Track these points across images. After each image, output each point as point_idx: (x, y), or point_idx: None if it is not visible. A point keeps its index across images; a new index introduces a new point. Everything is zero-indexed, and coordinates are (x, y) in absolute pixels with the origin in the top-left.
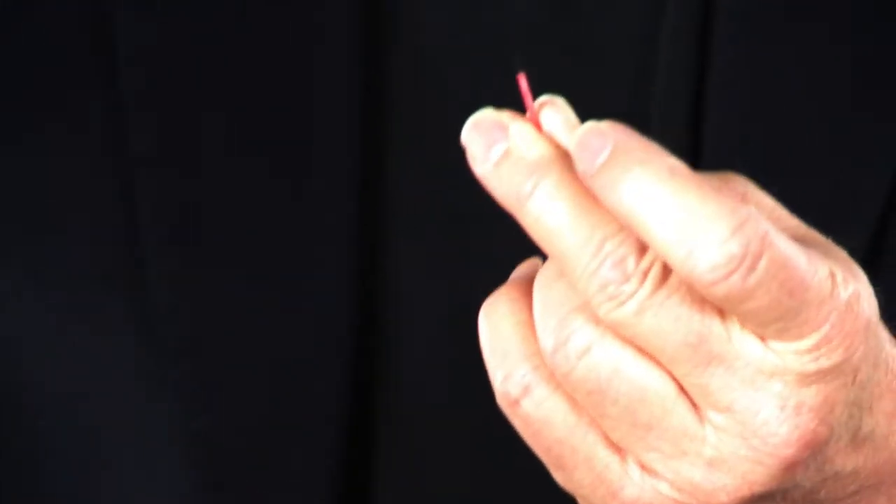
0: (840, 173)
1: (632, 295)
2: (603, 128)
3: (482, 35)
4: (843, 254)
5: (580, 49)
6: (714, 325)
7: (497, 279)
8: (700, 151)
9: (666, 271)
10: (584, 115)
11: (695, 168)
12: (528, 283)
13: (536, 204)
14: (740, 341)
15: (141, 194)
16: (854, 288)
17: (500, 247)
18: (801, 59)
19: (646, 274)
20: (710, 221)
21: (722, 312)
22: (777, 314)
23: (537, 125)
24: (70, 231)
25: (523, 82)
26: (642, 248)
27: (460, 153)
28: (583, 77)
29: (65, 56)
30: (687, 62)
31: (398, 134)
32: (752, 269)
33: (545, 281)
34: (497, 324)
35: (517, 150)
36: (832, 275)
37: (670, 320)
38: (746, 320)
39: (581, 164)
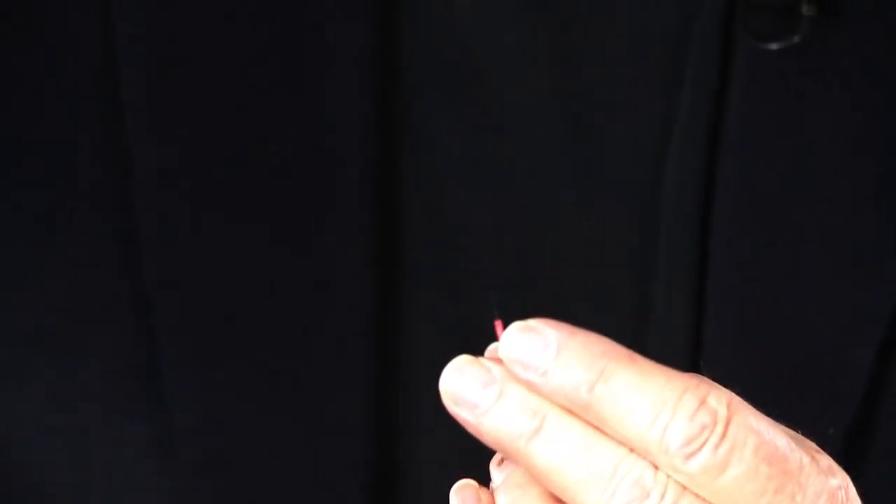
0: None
1: None
2: (533, 326)
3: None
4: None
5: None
6: None
7: None
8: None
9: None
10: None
11: None
12: None
13: (545, 439)
14: None
15: (157, 315)
16: (843, 479)
17: None
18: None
19: (665, 486)
20: (678, 397)
21: None
22: (759, 486)
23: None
24: (88, 352)
25: (500, 329)
26: (655, 465)
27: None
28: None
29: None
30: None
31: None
32: (723, 435)
33: None
34: None
35: (513, 390)
36: (815, 459)
37: None
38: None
39: (528, 366)
